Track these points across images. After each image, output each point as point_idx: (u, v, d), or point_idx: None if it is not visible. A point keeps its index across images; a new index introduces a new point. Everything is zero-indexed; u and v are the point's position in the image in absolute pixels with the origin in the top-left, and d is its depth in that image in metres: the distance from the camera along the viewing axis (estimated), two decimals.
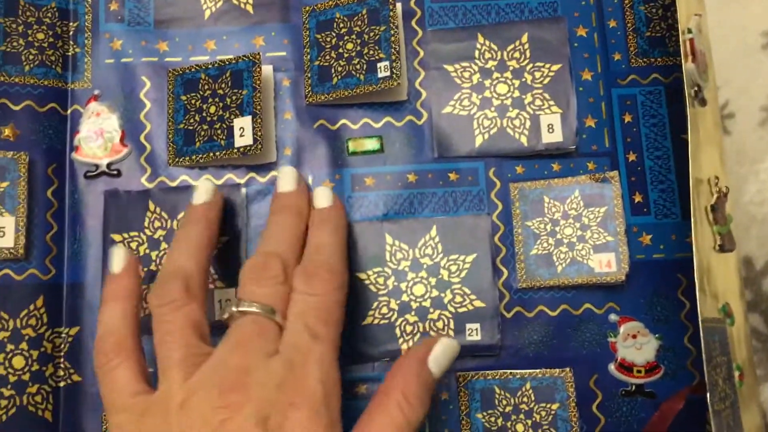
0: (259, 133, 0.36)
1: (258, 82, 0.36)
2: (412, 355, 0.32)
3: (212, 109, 0.37)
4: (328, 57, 0.38)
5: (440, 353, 0.32)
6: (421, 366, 0.31)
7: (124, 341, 0.32)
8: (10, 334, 0.35)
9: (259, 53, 0.37)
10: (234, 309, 0.31)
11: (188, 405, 0.29)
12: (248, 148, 0.35)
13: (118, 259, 0.34)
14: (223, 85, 0.37)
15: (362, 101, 0.38)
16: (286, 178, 0.35)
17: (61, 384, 0.36)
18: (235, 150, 0.36)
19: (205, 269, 0.33)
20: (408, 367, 0.31)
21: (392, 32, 0.37)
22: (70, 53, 0.39)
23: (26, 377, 0.35)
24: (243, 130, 0.35)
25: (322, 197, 0.35)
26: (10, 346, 0.35)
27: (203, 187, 0.35)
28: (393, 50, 0.36)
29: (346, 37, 0.38)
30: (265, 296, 0.31)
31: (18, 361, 0.35)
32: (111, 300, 0.33)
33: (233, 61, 0.37)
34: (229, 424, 0.28)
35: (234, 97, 0.36)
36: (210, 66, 0.38)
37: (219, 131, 0.36)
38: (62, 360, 0.36)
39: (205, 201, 0.35)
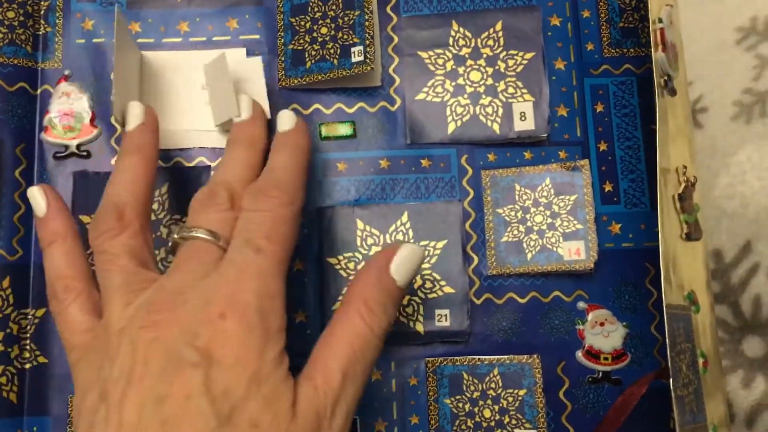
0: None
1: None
2: (372, 263, 0.31)
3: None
4: (302, 41, 0.38)
5: (402, 260, 0.31)
6: (382, 274, 0.30)
7: (71, 282, 0.31)
8: None
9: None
10: (175, 236, 0.31)
11: (123, 331, 0.28)
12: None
13: (39, 201, 0.33)
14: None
15: (336, 86, 0.38)
16: (241, 106, 0.35)
17: (27, 366, 0.36)
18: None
19: (143, 197, 0.32)
20: (368, 276, 0.30)
21: (367, 17, 0.37)
22: (40, 32, 0.38)
23: None
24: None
25: (284, 121, 0.34)
26: None
27: (134, 111, 0.34)
28: (367, 35, 0.36)
29: (320, 21, 0.37)
30: (208, 221, 0.31)
31: None
32: (48, 245, 0.32)
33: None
34: (157, 344, 0.27)
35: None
36: None
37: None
38: (28, 341, 0.36)
39: (138, 124, 0.34)
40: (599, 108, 0.38)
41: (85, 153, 0.37)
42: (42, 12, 0.39)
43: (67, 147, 0.37)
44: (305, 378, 0.28)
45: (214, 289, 0.28)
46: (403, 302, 0.36)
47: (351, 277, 0.36)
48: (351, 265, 0.36)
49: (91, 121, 0.38)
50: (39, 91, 0.38)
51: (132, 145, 0.33)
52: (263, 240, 0.30)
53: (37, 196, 0.33)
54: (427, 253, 0.36)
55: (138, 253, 0.31)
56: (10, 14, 0.38)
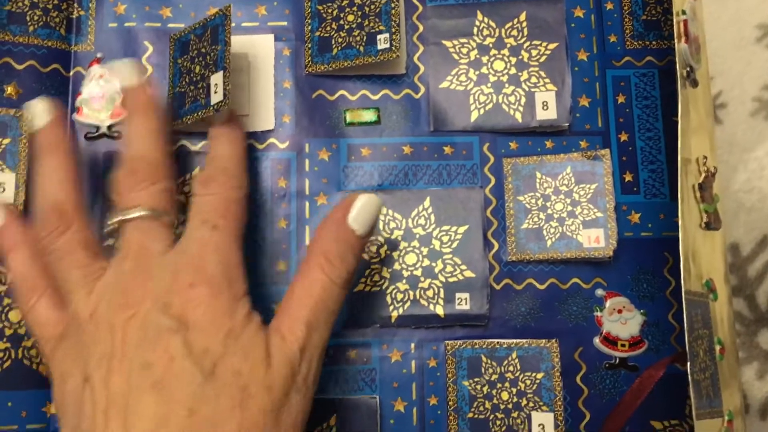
0: (227, 87, 0.35)
1: (228, 35, 0.36)
2: (331, 218, 0.32)
3: (197, 69, 0.37)
4: (328, 28, 0.38)
5: (358, 211, 0.32)
6: (340, 226, 0.32)
7: (34, 282, 0.33)
8: (7, 288, 0.36)
9: (230, 5, 0.36)
10: (114, 220, 0.32)
11: (95, 316, 0.30)
12: (219, 104, 0.35)
13: None
14: (204, 43, 0.37)
15: (361, 73, 0.39)
16: (124, 72, 0.35)
17: None
18: (211, 108, 0.35)
19: (76, 192, 0.33)
20: (327, 230, 0.32)
21: (393, 5, 0.37)
22: (74, 16, 0.39)
23: (22, 331, 0.36)
24: (216, 87, 0.36)
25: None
26: (7, 300, 0.36)
27: (37, 109, 0.35)
28: (393, 23, 0.37)
29: (347, 9, 0.38)
30: (141, 198, 0.32)
31: (14, 315, 0.36)
32: (7, 252, 0.33)
33: (211, 18, 0.37)
34: (133, 321, 0.29)
35: (211, 54, 0.36)
36: (197, 26, 0.38)
37: (201, 91, 0.37)
38: None
39: (48, 121, 0.34)
40: (621, 99, 0.39)
41: (116, 134, 0.38)
42: None
43: (98, 128, 0.38)
44: (273, 330, 0.30)
45: (178, 262, 0.30)
46: (423, 285, 0.37)
47: (373, 260, 0.37)
48: (373, 248, 0.37)
49: (122, 103, 0.38)
50: (72, 73, 0.39)
51: (49, 144, 0.34)
52: (219, 218, 0.31)
53: None
54: (448, 238, 0.37)
55: (88, 244, 0.32)
56: None
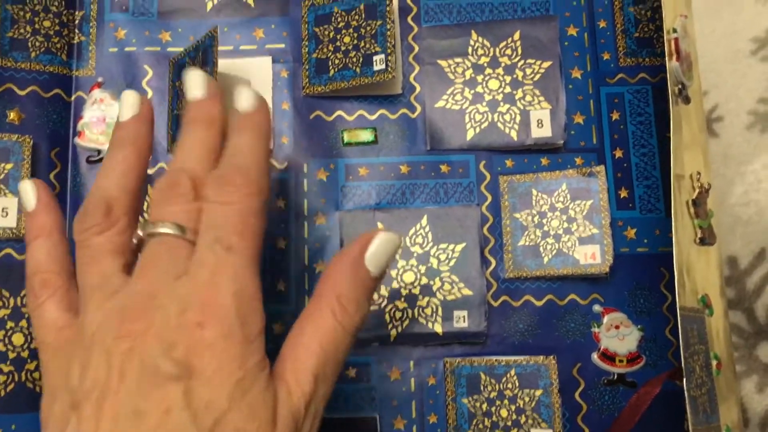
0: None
1: (216, 57, 0.36)
2: (346, 254, 0.29)
3: None
4: (325, 50, 0.39)
5: (377, 249, 0.29)
6: (357, 266, 0.28)
7: (50, 278, 0.30)
8: (10, 312, 0.36)
9: (216, 27, 0.37)
10: (141, 233, 0.29)
11: (96, 336, 0.27)
12: None
13: (29, 195, 0.32)
14: (197, 65, 0.37)
15: (358, 93, 0.39)
16: (193, 83, 0.32)
17: None
18: None
19: (133, 192, 0.31)
20: (342, 269, 0.28)
21: (388, 27, 0.38)
22: (75, 41, 0.40)
23: (25, 354, 0.36)
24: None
25: (244, 99, 0.31)
26: (10, 324, 0.36)
27: (128, 100, 0.32)
28: (389, 44, 0.37)
29: (343, 31, 0.39)
30: (173, 214, 0.28)
31: (18, 338, 0.36)
32: (33, 239, 0.31)
33: (202, 41, 0.38)
34: (131, 354, 0.25)
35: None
36: (191, 48, 0.38)
37: None
38: None
39: (133, 115, 0.32)
40: (615, 116, 0.39)
41: None
42: (76, 22, 0.40)
43: (99, 151, 0.39)
44: (279, 379, 0.27)
45: (188, 294, 0.26)
46: (422, 303, 0.37)
47: None
48: None
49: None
50: (73, 98, 0.39)
51: (124, 137, 0.32)
52: (234, 236, 0.27)
53: (28, 189, 0.32)
54: (445, 256, 0.37)
55: (121, 251, 0.30)
56: (47, 23, 0.39)
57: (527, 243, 0.38)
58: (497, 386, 0.36)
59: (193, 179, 0.29)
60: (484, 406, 0.36)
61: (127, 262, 0.30)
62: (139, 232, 0.29)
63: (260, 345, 0.27)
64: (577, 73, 0.39)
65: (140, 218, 0.32)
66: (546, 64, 0.39)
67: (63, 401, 0.27)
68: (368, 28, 0.38)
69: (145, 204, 0.34)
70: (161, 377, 0.25)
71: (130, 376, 0.25)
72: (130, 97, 0.32)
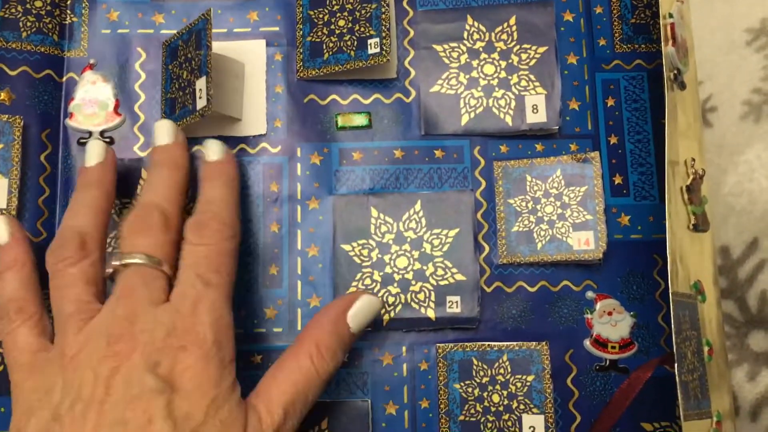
0: (211, 92, 0.35)
1: (209, 40, 0.36)
2: (332, 307, 0.33)
3: (185, 74, 0.37)
4: (320, 33, 0.39)
5: (360, 309, 0.33)
6: (339, 319, 0.33)
7: (24, 305, 0.33)
8: None
9: (210, 9, 0.37)
10: (116, 263, 0.32)
11: (79, 357, 0.29)
12: (204, 109, 0.35)
13: (2, 230, 0.34)
14: (190, 48, 0.37)
15: (352, 77, 0.39)
16: (161, 131, 0.35)
17: None
18: (197, 113, 0.36)
19: (102, 229, 0.34)
20: (325, 319, 0.33)
21: (383, 10, 0.38)
22: (67, 22, 0.40)
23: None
24: (201, 92, 0.36)
25: (213, 151, 0.35)
26: None
27: (94, 150, 0.35)
28: (383, 27, 0.37)
29: (338, 14, 0.38)
30: (146, 246, 0.32)
31: None
32: (6, 270, 0.33)
33: (194, 23, 0.37)
34: (119, 373, 0.28)
35: (196, 59, 0.37)
36: (184, 31, 0.38)
37: (188, 97, 0.37)
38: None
39: (97, 162, 0.35)
40: (610, 102, 0.39)
41: (108, 139, 0.38)
42: (68, 2, 0.40)
43: (91, 133, 0.38)
44: (251, 406, 0.30)
45: (171, 321, 0.30)
46: (414, 288, 0.37)
47: (364, 264, 0.37)
48: (365, 252, 0.37)
49: (115, 108, 0.39)
50: (65, 79, 0.39)
51: (92, 180, 0.35)
52: (212, 273, 0.31)
53: (0, 224, 0.34)
54: (439, 241, 0.37)
55: (94, 281, 0.32)
56: (38, 3, 0.39)
57: (521, 229, 0.37)
58: (489, 372, 0.36)
59: (162, 212, 0.33)
60: (476, 391, 0.36)
61: (97, 291, 0.32)
62: (114, 262, 0.32)
63: (232, 369, 0.31)
64: (572, 59, 0.39)
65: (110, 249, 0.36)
66: (542, 50, 0.39)
67: (41, 417, 0.29)
68: (363, 12, 0.38)
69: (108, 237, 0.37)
70: (146, 390, 0.28)
71: (116, 389, 0.28)
72: (96, 146, 0.35)
